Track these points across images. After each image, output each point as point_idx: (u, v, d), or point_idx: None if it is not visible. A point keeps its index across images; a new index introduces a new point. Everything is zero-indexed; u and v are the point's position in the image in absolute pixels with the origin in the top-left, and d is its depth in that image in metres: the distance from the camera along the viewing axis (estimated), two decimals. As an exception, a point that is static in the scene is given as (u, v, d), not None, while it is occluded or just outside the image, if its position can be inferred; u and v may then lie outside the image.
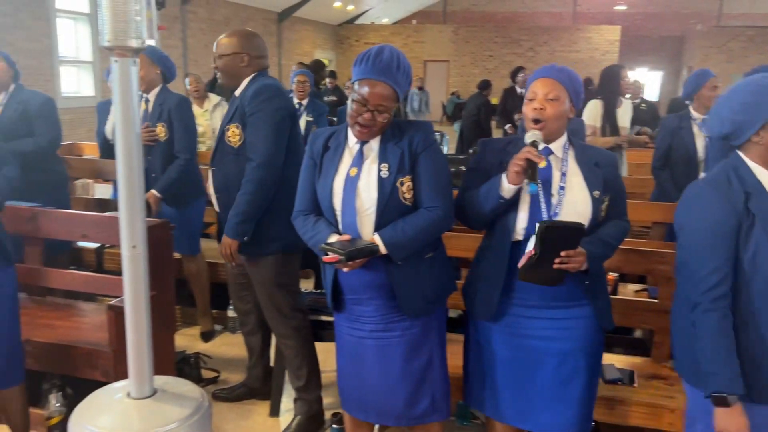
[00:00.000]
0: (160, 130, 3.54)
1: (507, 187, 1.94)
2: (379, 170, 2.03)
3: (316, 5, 17.49)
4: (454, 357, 2.59)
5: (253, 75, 2.72)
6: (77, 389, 2.91)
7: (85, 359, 2.66)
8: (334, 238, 2.02)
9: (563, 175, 2.01)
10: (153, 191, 3.48)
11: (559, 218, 1.95)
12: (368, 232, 2.04)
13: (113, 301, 2.62)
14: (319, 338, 2.96)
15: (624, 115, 4.70)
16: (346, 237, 2.01)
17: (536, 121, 1.99)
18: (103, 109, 4.25)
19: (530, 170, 1.89)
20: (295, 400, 2.91)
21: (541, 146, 1.98)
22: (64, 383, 2.90)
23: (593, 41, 19.86)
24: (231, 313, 3.92)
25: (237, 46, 2.69)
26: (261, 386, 3.17)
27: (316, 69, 8.44)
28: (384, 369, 2.12)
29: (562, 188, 1.99)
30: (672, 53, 21.19)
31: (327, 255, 1.95)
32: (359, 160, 2.07)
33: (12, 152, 2.82)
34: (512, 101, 8.07)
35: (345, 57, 21.17)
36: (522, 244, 1.99)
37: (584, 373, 2.05)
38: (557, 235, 1.87)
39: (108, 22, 1.58)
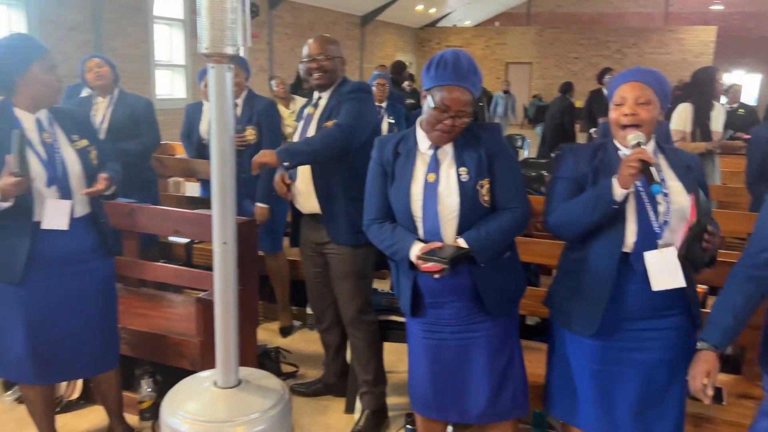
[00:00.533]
0: (250, 133, 3.68)
1: (620, 192, 1.89)
2: (458, 174, 2.04)
3: (399, 9, 17.63)
4: (531, 365, 2.56)
5: (342, 78, 2.87)
6: (166, 376, 3.08)
7: (174, 348, 2.81)
8: (418, 246, 2.02)
9: (662, 180, 1.94)
10: (259, 204, 3.59)
11: (669, 226, 1.90)
12: (450, 237, 2.05)
13: (201, 295, 2.76)
14: (385, 338, 3.01)
15: (716, 119, 4.48)
16: (437, 244, 2.01)
17: (626, 127, 1.93)
18: (192, 110, 4.46)
19: (645, 172, 1.82)
20: (363, 394, 2.97)
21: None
22: (155, 370, 3.07)
23: (686, 43, 18.98)
24: (309, 310, 4.02)
25: (339, 52, 2.85)
26: (337, 382, 3.24)
27: (398, 70, 8.50)
28: (467, 369, 2.14)
29: (666, 194, 1.92)
30: (773, 55, 19.93)
31: (426, 264, 1.94)
32: (435, 165, 2.08)
33: (120, 151, 3.04)
34: (598, 104, 7.86)
35: (425, 60, 21.10)
36: (632, 257, 1.93)
37: (679, 384, 1.99)
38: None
39: (206, 30, 1.68)
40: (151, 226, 3.23)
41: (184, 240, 4.19)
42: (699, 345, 1.88)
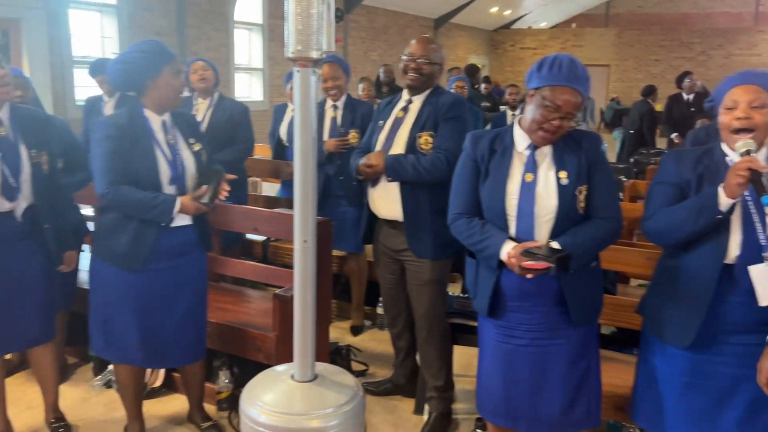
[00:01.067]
0: (353, 136, 3.78)
1: (725, 202, 1.82)
2: (558, 177, 2.03)
3: (473, 11, 17.53)
4: (607, 375, 2.50)
5: (436, 86, 2.84)
6: (242, 368, 3.19)
7: (251, 342, 2.91)
8: (510, 245, 2.00)
9: None
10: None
11: None
12: (543, 239, 2.03)
13: (278, 291, 2.84)
14: (455, 341, 3.01)
15: None
16: (535, 243, 1.98)
17: (740, 131, 1.84)
18: (277, 111, 4.59)
19: (755, 181, 1.75)
20: (431, 398, 2.97)
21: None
22: (232, 362, 3.19)
23: (778, 43, 17.97)
24: (380, 311, 4.07)
25: (441, 59, 2.84)
26: (406, 383, 3.26)
27: (471, 73, 8.47)
28: (542, 377, 2.11)
29: None
30: None
31: (529, 261, 1.92)
32: (532, 165, 2.06)
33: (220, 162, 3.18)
34: (678, 108, 7.57)
35: (499, 62, 20.99)
36: (735, 269, 1.85)
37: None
38: None
39: (292, 35, 1.74)
40: (230, 224, 3.34)
41: (260, 238, 4.33)
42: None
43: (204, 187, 2.42)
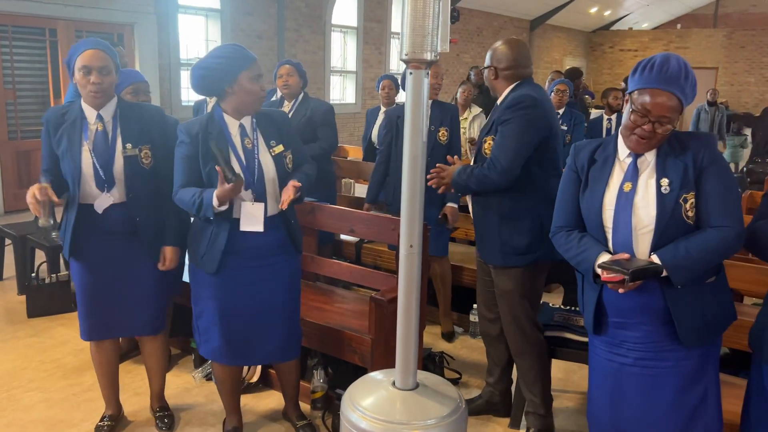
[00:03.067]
0: (443, 134, 3.78)
1: None
2: (659, 185, 1.89)
3: (570, 12, 17.01)
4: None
5: (512, 86, 2.69)
6: (336, 369, 3.21)
7: (346, 343, 2.91)
8: (605, 257, 1.92)
9: None
10: (451, 205, 3.71)
11: None
12: (644, 252, 1.91)
13: (375, 294, 2.83)
14: (555, 355, 2.87)
15: None
16: (624, 255, 1.89)
17: None
18: (370, 115, 4.63)
19: None
20: (527, 413, 2.87)
21: None
22: (327, 362, 3.21)
23: None
24: (473, 318, 3.99)
25: (488, 60, 2.77)
26: (501, 401, 3.12)
27: (573, 77, 8.20)
28: (649, 402, 1.98)
29: None
30: None
31: (604, 274, 1.85)
32: (633, 174, 1.94)
33: None
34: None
35: (597, 64, 20.28)
36: None
37: None
38: None
39: (407, 37, 1.70)
40: (328, 224, 3.38)
41: (354, 239, 4.36)
42: None
43: (218, 167, 2.29)
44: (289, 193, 2.41)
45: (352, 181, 5.72)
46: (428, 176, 2.64)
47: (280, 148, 2.53)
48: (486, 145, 2.69)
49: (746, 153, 9.37)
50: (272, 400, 3.18)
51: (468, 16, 14.49)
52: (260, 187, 2.47)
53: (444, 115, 3.82)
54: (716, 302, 1.97)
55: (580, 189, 2.06)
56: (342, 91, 11.52)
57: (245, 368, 3.22)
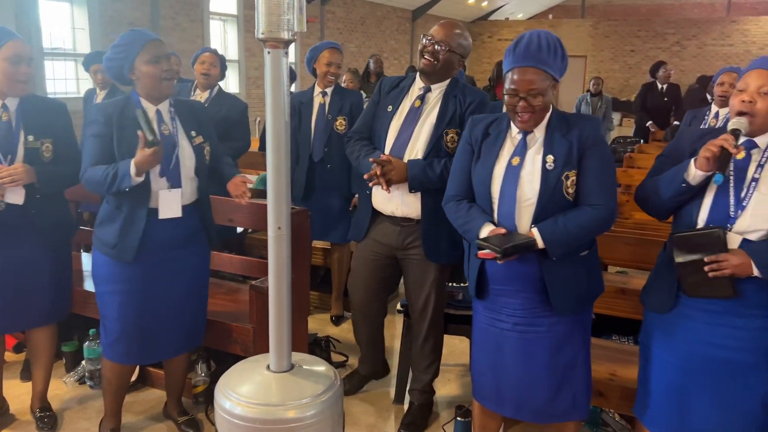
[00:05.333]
0: (341, 123, 3.74)
1: (693, 173, 1.85)
2: (544, 161, 2.00)
3: (450, 2, 17.49)
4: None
5: (455, 78, 2.70)
6: (219, 362, 3.14)
7: (227, 334, 2.85)
8: (488, 229, 2.00)
9: (760, 166, 1.86)
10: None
11: (746, 211, 1.83)
12: (525, 224, 2.01)
13: (255, 282, 2.79)
14: (445, 331, 2.97)
15: None
16: (501, 231, 1.98)
17: (742, 114, 1.86)
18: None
19: (722, 159, 1.77)
20: (413, 390, 2.94)
21: (742, 139, 1.87)
22: (209, 355, 3.13)
23: (750, 34, 18.18)
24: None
25: (464, 49, 2.69)
26: (378, 368, 3.19)
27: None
28: (527, 363, 2.10)
29: (754, 180, 1.85)
30: None
31: (481, 251, 1.93)
32: (522, 149, 2.04)
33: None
34: (652, 98, 7.63)
35: (477, 54, 20.98)
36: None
37: (759, 391, 1.89)
38: (692, 244, 1.83)
39: (263, 16, 1.68)
40: (206, 215, 3.28)
41: (238, 230, 4.27)
42: None
43: (139, 131, 2.23)
44: (243, 188, 2.45)
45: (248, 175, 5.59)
46: (367, 175, 2.53)
47: (200, 139, 2.48)
48: (448, 138, 2.59)
49: (612, 134, 10.06)
50: (152, 398, 3.07)
51: (351, 6, 14.54)
52: (176, 174, 2.40)
53: (344, 102, 3.75)
54: (587, 274, 2.10)
55: (473, 161, 2.13)
56: (225, 81, 11.20)
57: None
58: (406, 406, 3.00)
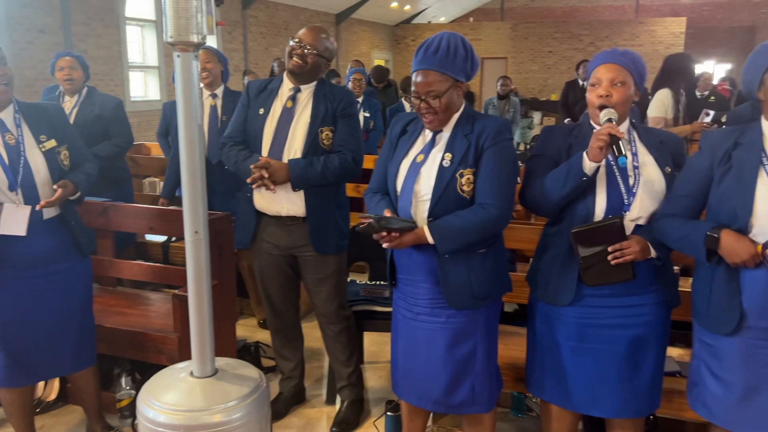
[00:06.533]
0: None
1: (589, 165, 1.94)
2: (443, 159, 2.06)
3: (373, 6, 17.62)
4: (509, 349, 2.60)
5: (322, 78, 2.75)
6: (145, 374, 3.07)
7: (152, 345, 2.80)
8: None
9: (634, 155, 2.01)
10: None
11: (637, 197, 1.96)
12: (422, 218, 2.07)
13: (178, 290, 2.75)
14: (364, 328, 3.03)
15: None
16: (387, 213, 2.06)
17: (602, 108, 1.98)
18: (169, 108, 4.42)
19: (615, 145, 1.88)
20: (342, 388, 2.97)
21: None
22: (134, 368, 3.05)
23: (657, 34, 19.22)
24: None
25: (330, 53, 2.74)
26: (300, 389, 3.13)
27: (382, 76, 8.26)
28: (428, 353, 2.15)
29: (636, 167, 1.99)
30: (742, 44, 20.25)
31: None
32: (429, 147, 2.11)
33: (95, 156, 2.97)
34: (574, 94, 7.94)
35: (402, 57, 21.22)
36: None
37: (653, 359, 2.05)
38: (593, 236, 1.93)
39: (171, 20, 1.68)
40: (124, 224, 3.20)
41: (160, 239, 4.18)
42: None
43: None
44: (54, 198, 2.27)
45: (156, 179, 5.46)
46: (251, 178, 2.51)
47: (52, 143, 2.34)
48: (323, 136, 2.62)
49: (533, 133, 10.42)
50: (74, 416, 2.96)
51: (273, 10, 14.42)
52: (28, 187, 2.26)
53: (236, 103, 3.70)
54: (485, 272, 2.11)
55: (390, 156, 2.20)
56: (144, 88, 10.89)
57: (41, 386, 2.97)
58: (338, 407, 3.02)
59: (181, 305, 2.70)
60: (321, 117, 2.63)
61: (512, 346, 2.66)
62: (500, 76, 8.27)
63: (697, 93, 7.36)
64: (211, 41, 11.87)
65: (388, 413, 2.75)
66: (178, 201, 3.85)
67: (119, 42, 9.90)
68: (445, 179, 2.04)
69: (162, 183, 4.98)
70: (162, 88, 10.90)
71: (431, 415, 2.71)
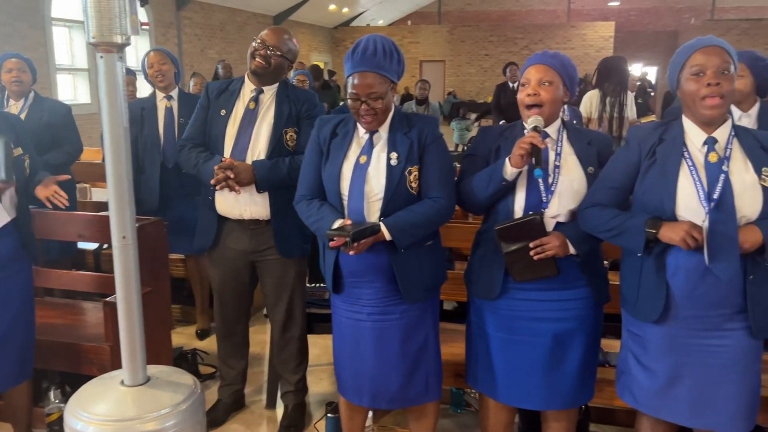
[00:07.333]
0: None
1: (510, 171, 2.00)
2: (389, 158, 2.09)
3: (311, 8, 17.57)
4: (448, 345, 2.64)
5: (284, 79, 2.74)
6: (76, 387, 2.95)
7: (83, 355, 2.70)
8: (338, 224, 2.05)
9: (558, 155, 2.08)
10: None
11: (555, 195, 2.02)
12: (374, 218, 2.09)
13: (109, 298, 2.66)
14: (311, 330, 3.00)
15: (630, 107, 4.81)
16: (348, 222, 2.05)
17: (531, 107, 2.05)
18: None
19: (535, 155, 1.94)
20: (286, 393, 2.94)
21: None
22: (63, 381, 2.94)
23: (588, 38, 19.92)
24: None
25: (293, 55, 2.74)
26: (240, 397, 3.09)
27: (318, 74, 8.38)
28: (380, 352, 2.17)
29: (557, 167, 2.06)
30: (666, 48, 21.23)
31: (332, 240, 1.98)
32: (369, 148, 2.13)
33: (44, 164, 2.84)
34: (506, 96, 8.11)
35: (341, 60, 21.20)
36: None
37: (580, 352, 2.11)
38: (514, 233, 1.99)
39: (93, 20, 1.64)
40: (52, 231, 3.08)
41: (92, 246, 4.04)
42: None
43: None
44: (53, 188, 2.35)
45: (87, 185, 5.29)
46: (214, 180, 2.47)
47: (18, 151, 2.30)
48: (288, 137, 2.62)
49: (470, 135, 10.61)
50: (0, 433, 2.84)
51: (209, 11, 14.18)
52: None
53: (193, 106, 3.63)
54: (432, 264, 2.22)
55: (322, 161, 2.18)
56: (73, 91, 10.51)
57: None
58: (279, 411, 3.00)
59: (112, 313, 2.62)
60: (285, 118, 2.63)
61: (451, 343, 2.71)
62: (419, 80, 8.06)
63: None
64: (143, 43, 11.57)
65: (329, 415, 2.75)
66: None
67: (45, 43, 9.54)
68: (395, 178, 2.08)
69: (101, 190, 4.83)
70: (92, 91, 10.55)
71: (370, 414, 2.72)
